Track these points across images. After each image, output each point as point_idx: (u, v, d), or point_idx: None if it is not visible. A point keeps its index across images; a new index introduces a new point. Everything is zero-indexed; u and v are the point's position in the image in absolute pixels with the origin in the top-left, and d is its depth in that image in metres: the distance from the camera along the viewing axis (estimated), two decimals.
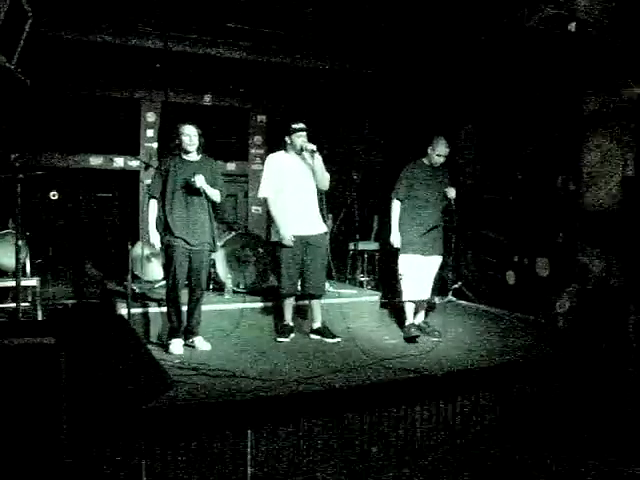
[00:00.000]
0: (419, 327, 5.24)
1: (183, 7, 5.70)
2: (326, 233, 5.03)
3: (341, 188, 7.05)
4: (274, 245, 4.95)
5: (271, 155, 4.99)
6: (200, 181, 4.38)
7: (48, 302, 5.07)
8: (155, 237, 4.51)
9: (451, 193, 5.12)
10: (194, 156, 4.55)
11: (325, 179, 4.88)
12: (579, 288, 5.41)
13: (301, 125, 4.85)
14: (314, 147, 4.75)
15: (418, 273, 5.14)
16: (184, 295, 4.61)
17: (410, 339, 4.95)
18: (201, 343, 4.59)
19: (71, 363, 2.66)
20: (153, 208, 4.54)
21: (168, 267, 4.50)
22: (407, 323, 5.14)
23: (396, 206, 5.22)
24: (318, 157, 4.81)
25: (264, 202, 5.02)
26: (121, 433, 2.89)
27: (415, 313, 5.26)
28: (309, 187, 4.90)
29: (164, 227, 4.50)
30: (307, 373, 3.93)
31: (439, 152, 5.11)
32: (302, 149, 4.79)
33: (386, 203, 5.36)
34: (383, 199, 7.18)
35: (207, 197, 4.48)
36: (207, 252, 4.59)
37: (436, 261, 5.23)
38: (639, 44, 4.98)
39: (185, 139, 4.47)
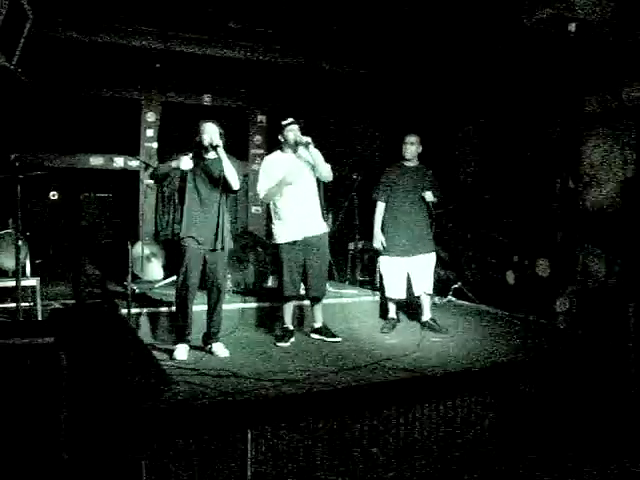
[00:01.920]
0: (427, 324, 5.30)
1: (183, 7, 5.70)
2: (326, 233, 4.97)
3: (341, 188, 7.05)
4: (276, 247, 4.90)
5: (266, 157, 4.95)
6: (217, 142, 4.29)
7: (48, 302, 5.06)
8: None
9: (427, 197, 5.19)
10: (212, 154, 4.42)
11: (326, 170, 4.80)
12: (579, 288, 5.41)
13: (290, 119, 4.78)
14: (308, 139, 4.67)
15: (398, 273, 5.26)
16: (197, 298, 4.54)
17: (383, 333, 5.17)
18: (220, 350, 4.43)
19: (71, 363, 2.66)
20: (168, 163, 4.41)
21: (180, 266, 4.38)
22: (388, 316, 5.38)
23: (379, 208, 5.30)
24: (314, 149, 4.72)
25: (262, 203, 4.99)
26: (121, 433, 2.88)
27: (395, 311, 5.38)
28: (308, 186, 4.82)
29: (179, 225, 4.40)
30: (307, 373, 3.93)
31: (405, 140, 5.24)
32: (296, 143, 4.72)
33: None
34: None
35: (224, 188, 4.36)
36: (223, 252, 4.44)
37: (426, 259, 5.26)
38: (639, 44, 4.98)
39: (206, 137, 4.35)
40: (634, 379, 4.18)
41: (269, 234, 8.03)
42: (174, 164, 4.33)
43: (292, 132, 4.73)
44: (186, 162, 4.30)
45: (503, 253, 6.56)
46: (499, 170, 6.70)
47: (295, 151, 4.79)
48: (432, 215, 5.31)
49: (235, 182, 4.42)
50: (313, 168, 4.79)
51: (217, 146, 4.31)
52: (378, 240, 5.28)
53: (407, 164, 5.31)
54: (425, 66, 6.90)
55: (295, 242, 4.76)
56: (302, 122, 4.86)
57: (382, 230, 5.28)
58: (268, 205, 5.02)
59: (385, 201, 5.28)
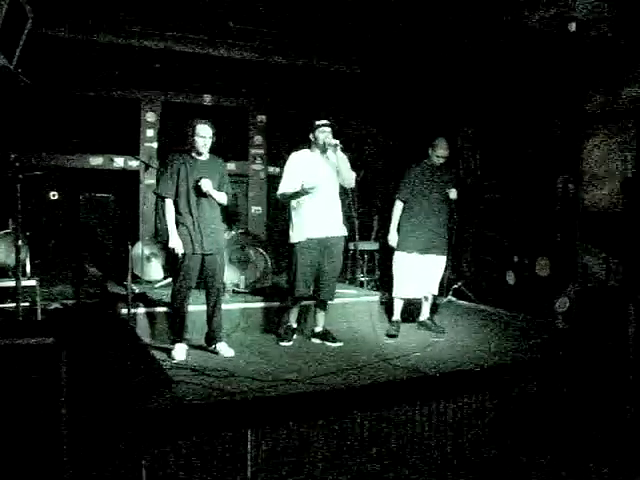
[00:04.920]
0: (424, 324, 5.32)
1: (183, 7, 5.70)
2: (345, 237, 4.93)
3: (341, 188, 7.05)
4: (291, 246, 4.80)
5: (295, 152, 4.85)
6: (206, 186, 4.26)
7: (48, 302, 5.05)
8: (176, 241, 4.30)
9: (452, 194, 5.19)
10: (204, 156, 4.43)
11: (350, 177, 4.80)
12: (579, 288, 5.41)
13: (324, 121, 4.73)
14: (337, 142, 4.64)
15: (411, 271, 5.21)
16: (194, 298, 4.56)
17: (389, 336, 5.08)
18: (224, 349, 4.44)
19: (71, 363, 2.66)
20: (170, 209, 4.36)
21: (176, 271, 4.37)
22: (393, 319, 5.30)
23: (398, 206, 5.28)
24: (342, 154, 4.71)
25: (282, 199, 4.84)
26: (121, 433, 2.88)
27: (401, 311, 5.34)
28: (331, 187, 4.78)
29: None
30: (307, 373, 3.93)
31: (438, 154, 5.20)
32: (325, 145, 4.69)
33: (386, 203, 5.38)
34: (383, 199, 7.17)
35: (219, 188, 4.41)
36: (219, 253, 4.45)
37: (437, 261, 5.26)
38: (639, 44, 4.98)
39: (199, 141, 4.30)
40: (634, 379, 4.18)
41: (270, 235, 8.07)
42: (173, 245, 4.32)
43: (323, 134, 4.69)
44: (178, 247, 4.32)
45: (503, 253, 6.56)
46: (499, 170, 6.70)
47: (323, 152, 4.77)
48: (454, 215, 5.30)
49: (223, 202, 4.46)
50: (337, 172, 4.76)
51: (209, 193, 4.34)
52: (394, 239, 5.24)
53: (433, 164, 5.27)
54: (426, 66, 6.89)
55: (312, 241, 4.68)
56: (336, 126, 4.80)
57: (399, 228, 5.25)
58: (288, 204, 4.89)
59: (405, 200, 5.24)
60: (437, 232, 5.21)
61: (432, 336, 5.10)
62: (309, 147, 4.84)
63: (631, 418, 3.99)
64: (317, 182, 4.62)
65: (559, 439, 3.87)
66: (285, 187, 4.74)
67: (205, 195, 4.34)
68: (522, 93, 6.23)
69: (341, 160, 4.72)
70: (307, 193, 4.61)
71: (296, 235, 4.74)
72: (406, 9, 5.70)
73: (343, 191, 4.96)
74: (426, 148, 5.30)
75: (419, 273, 5.23)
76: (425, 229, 5.17)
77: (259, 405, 3.36)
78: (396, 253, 5.30)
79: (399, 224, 5.26)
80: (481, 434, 3.79)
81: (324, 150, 4.74)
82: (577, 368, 4.25)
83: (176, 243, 4.30)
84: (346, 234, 4.94)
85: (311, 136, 4.77)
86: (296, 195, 4.69)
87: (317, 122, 4.74)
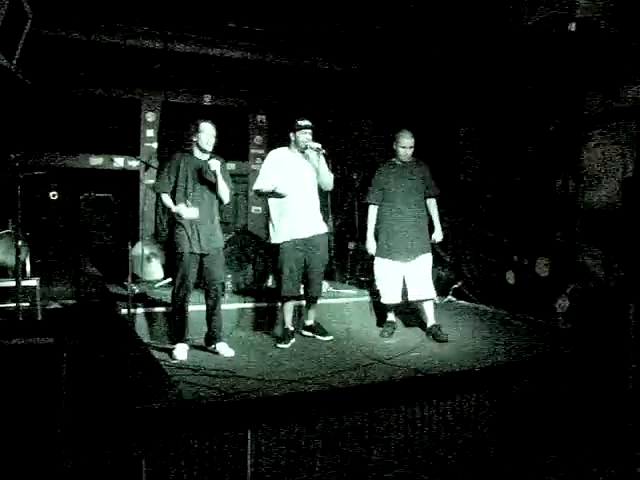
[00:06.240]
0: (430, 331, 5.08)
1: (183, 7, 5.70)
2: (328, 233, 4.93)
3: (341, 188, 7.05)
4: (276, 246, 4.84)
5: (273, 151, 4.88)
6: (214, 165, 4.27)
7: (48, 302, 5.06)
8: (182, 209, 4.31)
9: (437, 238, 5.15)
10: (206, 155, 4.44)
11: (329, 180, 4.81)
12: (579, 288, 5.41)
13: (306, 122, 4.71)
14: (319, 145, 4.65)
15: (395, 277, 5.12)
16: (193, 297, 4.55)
17: (384, 337, 5.08)
18: (224, 349, 4.44)
19: (71, 363, 2.66)
20: (167, 199, 4.37)
21: (175, 270, 4.38)
22: (387, 320, 5.28)
23: (372, 211, 5.15)
24: (323, 156, 4.72)
25: (257, 196, 4.90)
26: (121, 433, 2.88)
27: (395, 313, 5.32)
28: (310, 186, 4.80)
29: (171, 228, 4.40)
30: (307, 373, 3.94)
31: (403, 144, 5.07)
32: (306, 147, 4.70)
33: None
34: None
35: (216, 193, 4.39)
36: (218, 253, 4.46)
37: (422, 260, 5.10)
38: (639, 44, 4.98)
39: (204, 137, 4.36)
40: (634, 379, 4.18)
41: (268, 234, 8.06)
42: (175, 210, 4.33)
43: (304, 135, 4.70)
44: (189, 212, 4.32)
45: (503, 253, 6.56)
46: (499, 170, 6.70)
47: (302, 152, 4.77)
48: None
49: (225, 197, 4.45)
50: (317, 172, 4.77)
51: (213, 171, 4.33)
52: (372, 246, 5.15)
53: (400, 162, 5.15)
54: (426, 66, 6.89)
55: (297, 241, 4.72)
56: (315, 127, 4.79)
57: (376, 233, 5.15)
58: (266, 202, 4.97)
59: (378, 204, 5.14)
60: (417, 233, 5.06)
61: (440, 339, 4.91)
62: (288, 145, 4.83)
63: (631, 417, 3.99)
64: (293, 184, 4.67)
65: (558, 439, 3.87)
66: (260, 184, 4.76)
67: (209, 187, 4.34)
68: (522, 93, 6.24)
69: (322, 163, 4.73)
70: (281, 196, 4.69)
71: (280, 236, 4.77)
72: (406, 9, 5.70)
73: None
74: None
75: (402, 279, 5.11)
76: (404, 232, 5.02)
77: (259, 405, 3.36)
78: (376, 259, 5.19)
79: (376, 229, 5.15)
80: (481, 434, 3.79)
81: (303, 150, 4.75)
82: (577, 368, 4.25)
83: (182, 210, 4.31)
84: (327, 230, 4.92)
85: (291, 135, 4.76)
86: (271, 195, 4.74)
87: (299, 122, 4.72)
